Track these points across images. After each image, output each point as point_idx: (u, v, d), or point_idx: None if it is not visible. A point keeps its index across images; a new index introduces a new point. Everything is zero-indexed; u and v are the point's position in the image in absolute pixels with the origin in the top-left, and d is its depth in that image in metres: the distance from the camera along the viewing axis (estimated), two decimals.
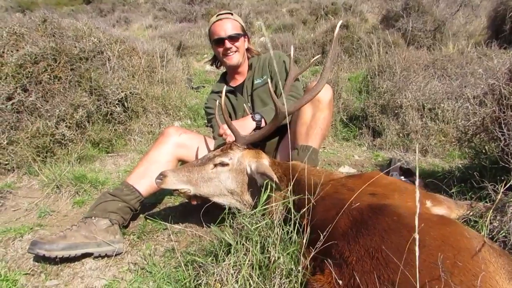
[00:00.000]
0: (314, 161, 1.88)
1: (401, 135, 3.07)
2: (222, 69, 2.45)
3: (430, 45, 5.96)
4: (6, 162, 2.63)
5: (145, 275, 1.57)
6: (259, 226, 1.25)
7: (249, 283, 1.13)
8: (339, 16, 8.94)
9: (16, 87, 2.77)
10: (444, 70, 3.68)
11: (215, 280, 1.17)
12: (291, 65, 2.02)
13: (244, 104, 2.12)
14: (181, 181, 1.62)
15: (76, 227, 1.68)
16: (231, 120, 1.92)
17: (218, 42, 2.13)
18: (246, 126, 1.91)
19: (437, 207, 1.30)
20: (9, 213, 2.17)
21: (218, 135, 1.91)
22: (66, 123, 2.88)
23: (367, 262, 0.90)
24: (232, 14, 2.20)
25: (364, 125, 3.42)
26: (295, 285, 1.12)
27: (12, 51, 2.88)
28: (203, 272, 1.26)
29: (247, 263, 1.16)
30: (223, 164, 1.64)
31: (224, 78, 2.42)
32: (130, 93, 3.32)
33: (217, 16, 2.17)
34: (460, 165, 2.17)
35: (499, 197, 1.17)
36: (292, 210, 1.27)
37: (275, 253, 1.17)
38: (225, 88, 1.80)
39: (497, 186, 1.36)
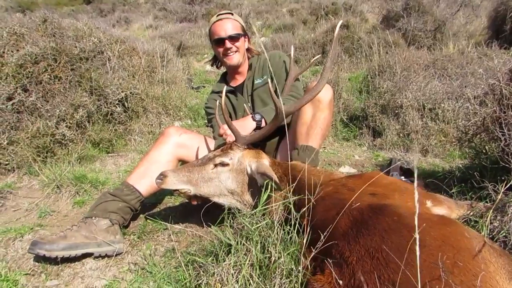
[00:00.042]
0: (315, 161, 1.88)
1: (401, 135, 3.07)
2: (223, 69, 2.44)
3: (430, 45, 5.95)
4: (7, 162, 2.63)
5: (146, 275, 1.57)
6: (259, 226, 1.25)
7: (250, 283, 1.13)
8: (339, 16, 8.94)
9: (17, 87, 2.78)
10: (444, 70, 3.68)
11: (216, 280, 1.17)
12: (291, 65, 2.02)
13: (244, 104, 2.12)
14: (181, 181, 1.62)
15: (76, 227, 1.68)
16: (231, 120, 1.92)
17: (218, 42, 2.13)
18: (246, 126, 1.91)
19: (437, 207, 1.30)
20: (10, 213, 2.17)
21: (218, 135, 1.91)
22: (66, 123, 2.88)
23: (368, 262, 0.90)
24: (232, 14, 2.20)
25: (364, 125, 3.42)
26: (296, 285, 1.12)
27: (12, 51, 2.89)
28: (203, 272, 1.26)
29: (248, 263, 1.16)
30: (223, 164, 1.64)
31: (225, 78, 2.42)
32: (131, 93, 3.32)
33: (217, 16, 2.17)
34: (461, 165, 2.17)
35: (499, 197, 1.18)
36: (293, 210, 1.27)
37: (276, 253, 1.17)
38: (225, 88, 1.80)
39: (497, 186, 1.36)
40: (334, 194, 1.29)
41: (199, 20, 11.41)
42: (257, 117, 1.95)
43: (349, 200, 1.11)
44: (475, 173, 1.60)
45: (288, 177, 1.41)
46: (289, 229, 1.26)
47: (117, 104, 3.21)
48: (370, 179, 1.23)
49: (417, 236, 0.69)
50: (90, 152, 2.98)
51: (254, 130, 1.93)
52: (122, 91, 3.22)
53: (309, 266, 1.09)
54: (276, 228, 1.23)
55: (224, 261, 1.21)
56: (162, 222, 1.91)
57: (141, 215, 2.08)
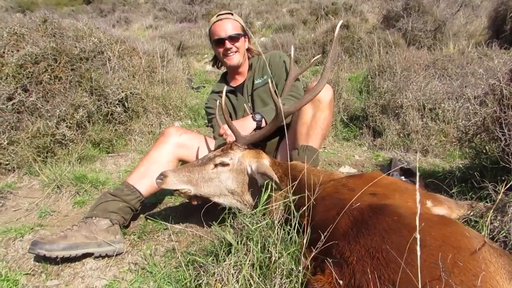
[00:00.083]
0: (315, 161, 1.88)
1: (401, 135, 3.07)
2: (223, 69, 2.45)
3: (430, 45, 5.96)
4: (7, 162, 2.63)
5: (146, 275, 1.57)
6: (259, 226, 1.25)
7: (250, 283, 1.13)
8: (340, 16, 8.94)
9: (17, 87, 2.78)
10: (444, 70, 3.68)
11: (216, 280, 1.17)
12: (292, 65, 2.02)
13: (245, 104, 2.12)
14: (181, 181, 1.62)
15: (76, 227, 1.68)
16: (232, 120, 1.92)
17: (218, 42, 2.13)
18: (246, 126, 1.91)
19: (437, 207, 1.30)
20: (10, 213, 2.17)
21: (218, 135, 1.91)
22: (66, 123, 2.88)
23: (368, 262, 0.90)
24: (232, 14, 2.20)
25: (364, 125, 3.42)
26: (296, 285, 1.12)
27: (12, 52, 2.89)
28: (203, 272, 1.26)
29: (248, 263, 1.16)
30: (223, 164, 1.64)
31: (225, 78, 2.42)
32: (131, 93, 3.32)
33: (217, 16, 2.17)
34: (461, 165, 2.17)
35: (499, 197, 1.18)
36: (293, 210, 1.27)
37: (276, 253, 1.17)
38: (225, 88, 1.80)
39: (497, 186, 1.36)
40: (334, 194, 1.29)
41: (199, 20, 11.41)
42: (257, 117, 1.95)
43: (349, 200, 1.11)
44: (475, 173, 1.60)
45: (288, 177, 1.41)
46: (289, 229, 1.26)
47: (117, 104, 3.21)
48: (371, 179, 1.24)
49: (418, 236, 0.69)
50: (91, 152, 2.98)
51: (254, 130, 1.93)
52: (122, 91, 3.22)
53: (309, 266, 1.09)
54: (276, 228, 1.23)
55: (224, 261, 1.21)
56: (162, 222, 1.91)
57: (141, 215, 2.08)
